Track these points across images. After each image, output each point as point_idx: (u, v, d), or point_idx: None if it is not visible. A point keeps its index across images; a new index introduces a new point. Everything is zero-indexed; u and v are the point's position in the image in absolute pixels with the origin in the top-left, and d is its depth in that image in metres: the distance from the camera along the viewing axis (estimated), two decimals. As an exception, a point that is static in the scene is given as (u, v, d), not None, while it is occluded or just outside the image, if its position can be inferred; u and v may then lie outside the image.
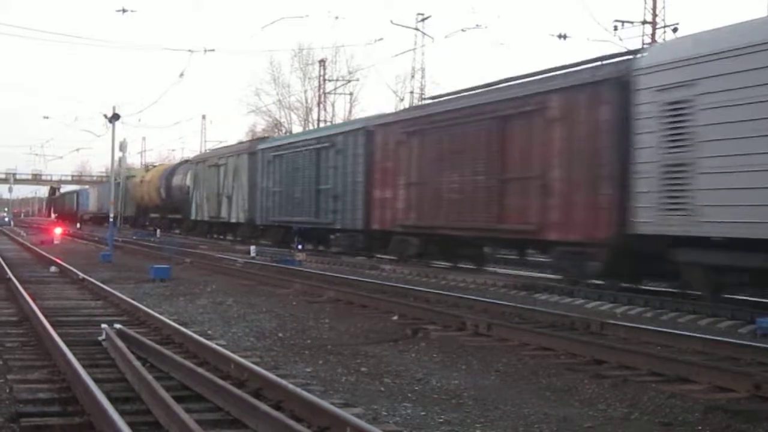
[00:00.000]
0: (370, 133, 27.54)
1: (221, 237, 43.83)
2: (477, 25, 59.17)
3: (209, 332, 11.64)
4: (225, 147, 48.81)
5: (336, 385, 8.42)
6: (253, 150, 38.62)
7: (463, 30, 48.90)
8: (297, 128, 75.28)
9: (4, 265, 21.26)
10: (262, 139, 43.58)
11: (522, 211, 20.04)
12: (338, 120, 67.20)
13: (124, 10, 39.70)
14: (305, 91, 73.61)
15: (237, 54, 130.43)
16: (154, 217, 60.89)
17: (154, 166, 70.90)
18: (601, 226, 17.48)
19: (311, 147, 31.58)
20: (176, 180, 54.47)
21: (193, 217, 47.81)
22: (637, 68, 16.53)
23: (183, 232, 50.77)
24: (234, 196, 40.17)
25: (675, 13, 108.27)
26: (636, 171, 16.32)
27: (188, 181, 49.87)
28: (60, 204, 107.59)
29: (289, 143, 35.08)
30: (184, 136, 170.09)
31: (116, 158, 35.81)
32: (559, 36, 43.07)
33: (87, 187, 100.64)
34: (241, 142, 49.19)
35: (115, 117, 31.50)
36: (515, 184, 20.36)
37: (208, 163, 45.51)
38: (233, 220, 40.64)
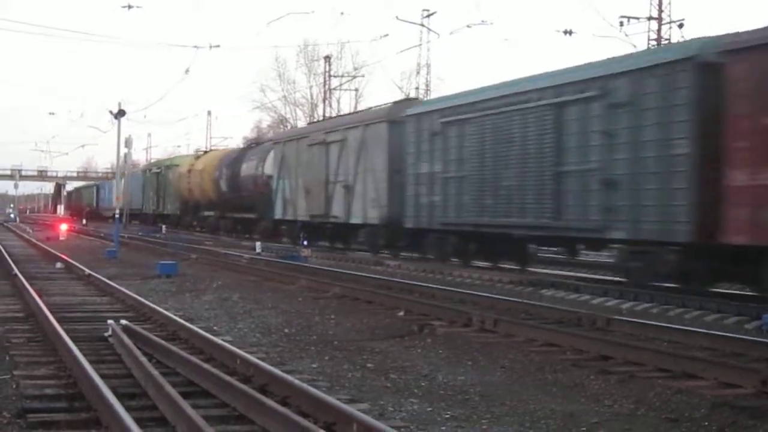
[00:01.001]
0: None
1: (334, 245, 31.93)
2: (482, 22, 58.93)
3: (215, 328, 11.65)
4: (336, 118, 36.62)
5: (342, 381, 8.42)
6: (397, 116, 26.47)
7: (468, 26, 49.02)
8: (302, 125, 75.41)
9: (10, 261, 21.31)
10: (408, 101, 31.34)
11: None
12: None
13: (129, 7, 39.70)
14: (310, 88, 73.53)
15: (242, 50, 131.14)
16: (208, 216, 48.11)
17: (206, 152, 58.25)
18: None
19: (542, 103, 19.62)
20: (247, 168, 41.21)
21: (278, 216, 35.26)
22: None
23: (259, 235, 36.68)
24: (358, 185, 28.39)
25: (681, 9, 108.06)
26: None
27: (268, 168, 37.36)
28: (76, 200, 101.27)
29: (482, 101, 22.10)
30: (189, 133, 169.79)
31: (122, 154, 35.82)
32: (565, 32, 43.00)
33: (110, 179, 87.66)
34: (368, 109, 35.09)
35: (121, 113, 31.54)
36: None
37: (310, 140, 32.42)
38: (356, 221, 28.74)
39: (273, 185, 35.99)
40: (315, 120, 67.54)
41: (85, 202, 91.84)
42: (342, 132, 29.95)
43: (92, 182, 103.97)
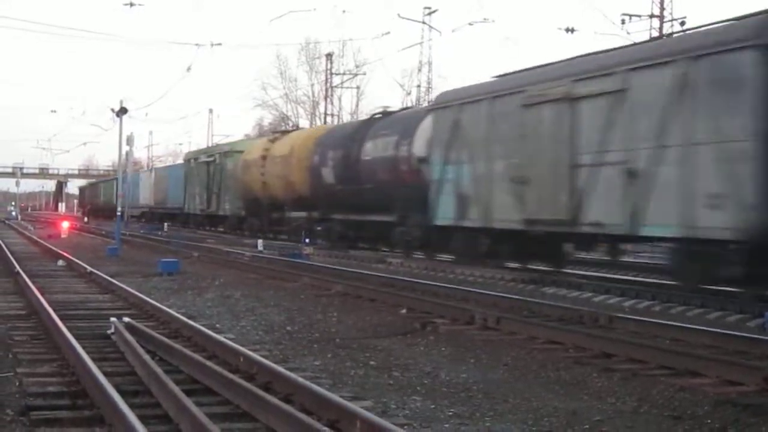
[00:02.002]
0: None
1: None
2: (484, 19, 58.87)
3: (217, 326, 11.65)
4: (595, 54, 19.04)
5: (345, 378, 8.42)
6: None
7: (470, 24, 48.93)
8: (304, 123, 75.22)
9: (12, 259, 21.32)
10: None
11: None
12: (345, 114, 66.72)
13: (131, 4, 39.75)
14: (312, 85, 73.49)
15: (244, 48, 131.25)
16: (295, 219, 33.70)
17: (287, 132, 44.40)
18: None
19: None
20: (375, 147, 27.52)
21: (445, 220, 22.38)
22: None
23: (402, 250, 26.38)
24: (665, 168, 15.64)
25: (682, 7, 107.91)
26: None
27: (419, 148, 24.57)
28: (90, 197, 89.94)
29: None
30: (191, 131, 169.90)
31: (123, 152, 35.82)
32: (567, 30, 42.95)
33: (139, 171, 75.97)
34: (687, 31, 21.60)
35: (123, 111, 31.52)
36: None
37: (528, 96, 19.43)
38: (655, 232, 16.41)
39: (431, 173, 23.18)
40: (315, 119, 66.82)
41: (102, 198, 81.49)
42: (616, 77, 16.93)
43: (103, 176, 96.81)
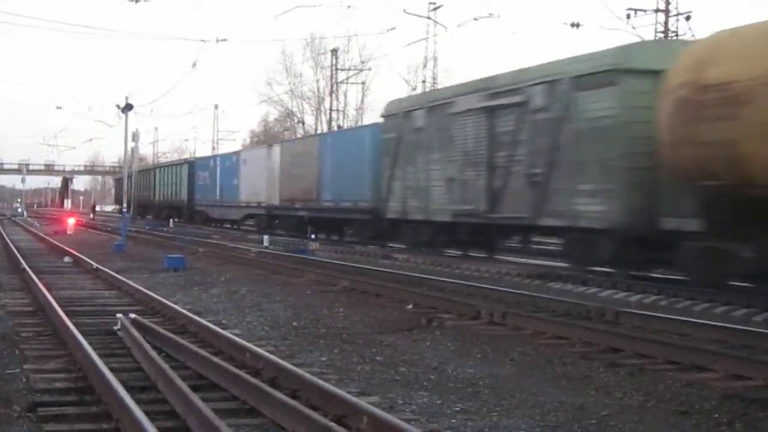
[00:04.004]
0: None
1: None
2: (490, 14, 58.62)
3: (224, 322, 11.65)
4: None
5: (351, 374, 8.42)
6: None
7: (475, 19, 48.76)
8: (309, 118, 74.98)
9: (18, 255, 21.35)
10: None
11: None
12: (350, 110, 66.08)
13: (136, 0, 39.61)
14: (317, 81, 73.41)
15: (249, 43, 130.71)
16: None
17: None
18: None
19: None
20: None
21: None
22: None
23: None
24: None
25: (688, 1, 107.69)
26: None
27: None
28: (141, 188, 66.07)
29: None
30: (196, 126, 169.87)
31: (129, 148, 35.89)
32: (572, 24, 42.82)
33: (214, 155, 61.77)
34: None
35: (128, 107, 31.64)
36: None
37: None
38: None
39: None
40: (321, 114, 65.44)
41: (162, 192, 60.87)
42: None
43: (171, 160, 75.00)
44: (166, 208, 59.04)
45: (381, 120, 29.00)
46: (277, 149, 40.11)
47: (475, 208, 22.29)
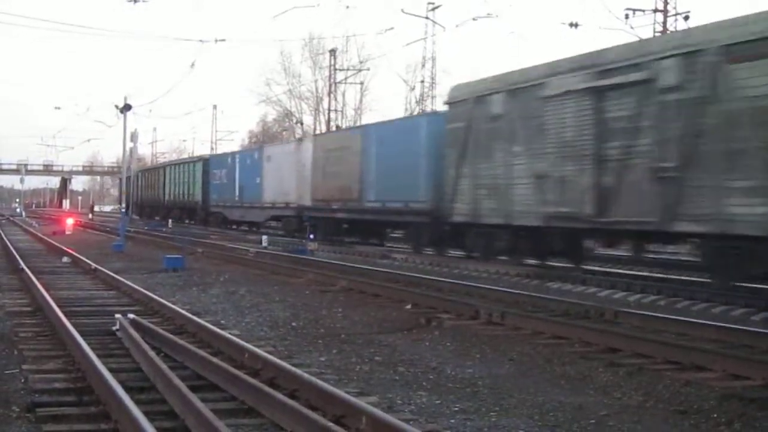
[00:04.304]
0: None
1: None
2: (488, 14, 58.65)
3: (222, 322, 11.65)
4: None
5: (350, 374, 8.42)
6: None
7: (474, 19, 48.75)
8: (307, 118, 74.78)
9: (17, 255, 21.34)
10: None
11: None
12: (349, 110, 66.04)
13: (135, 0, 39.59)
14: (316, 81, 73.41)
15: (248, 44, 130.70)
16: None
17: None
18: None
19: None
20: None
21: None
22: None
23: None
24: None
25: (686, 1, 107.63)
26: None
27: None
28: (145, 186, 63.36)
29: None
30: (195, 127, 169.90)
31: (127, 149, 35.87)
32: (571, 24, 42.78)
33: (235, 150, 58.54)
34: None
35: (127, 107, 31.63)
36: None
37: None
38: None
39: None
40: (319, 114, 64.98)
41: (173, 192, 56.59)
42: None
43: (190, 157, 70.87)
44: (177, 209, 55.44)
45: (444, 108, 25.51)
46: (308, 144, 36.29)
47: (576, 210, 18.59)
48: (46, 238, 32.55)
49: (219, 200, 47.12)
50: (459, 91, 23.86)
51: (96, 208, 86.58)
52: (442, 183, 23.80)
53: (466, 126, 22.54)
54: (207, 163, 50.99)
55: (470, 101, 22.51)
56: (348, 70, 66.88)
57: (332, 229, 32.45)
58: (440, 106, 47.21)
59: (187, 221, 50.90)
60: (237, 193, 43.89)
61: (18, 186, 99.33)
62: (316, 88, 73.98)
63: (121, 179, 42.90)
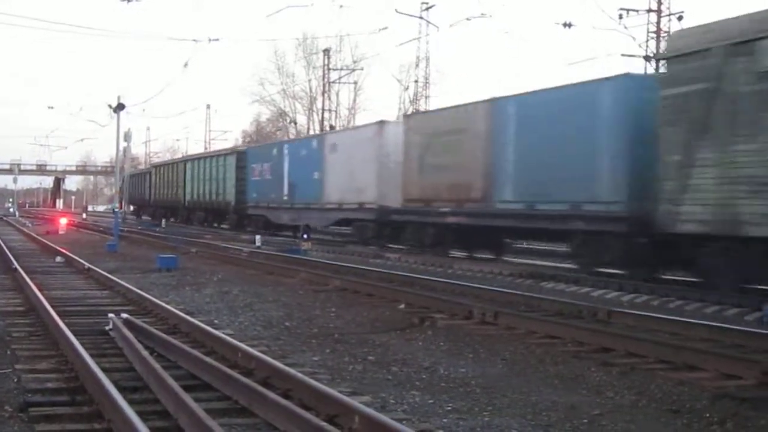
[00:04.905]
0: None
1: None
2: (482, 14, 58.70)
3: (216, 321, 11.64)
4: None
5: (344, 373, 8.42)
6: None
7: (468, 19, 48.78)
8: (301, 118, 74.71)
9: (10, 255, 21.30)
10: None
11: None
12: (343, 110, 66.02)
13: (128, 0, 39.51)
14: (309, 81, 73.39)
15: (241, 43, 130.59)
16: None
17: None
18: None
19: None
20: None
21: None
22: None
23: None
24: None
25: (680, 2, 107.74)
26: None
27: None
28: (162, 185, 56.91)
29: None
30: (188, 126, 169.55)
31: (121, 148, 35.77)
32: (564, 24, 42.85)
33: (283, 140, 49.75)
34: None
35: (120, 107, 31.54)
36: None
37: None
38: None
39: None
40: (313, 114, 65.16)
41: (196, 190, 49.56)
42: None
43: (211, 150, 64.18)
44: (201, 210, 48.61)
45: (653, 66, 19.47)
46: (396, 128, 28.97)
47: None
48: (39, 237, 32.47)
49: (260, 200, 39.82)
50: (693, 38, 16.28)
51: (89, 208, 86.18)
52: (650, 176, 16.78)
53: (709, 89, 15.43)
54: (243, 156, 43.20)
55: (717, 51, 15.26)
56: (342, 69, 66.94)
57: (433, 238, 25.62)
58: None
59: (215, 225, 45.66)
60: (285, 191, 36.65)
61: (11, 186, 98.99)
62: (310, 88, 74.02)
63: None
